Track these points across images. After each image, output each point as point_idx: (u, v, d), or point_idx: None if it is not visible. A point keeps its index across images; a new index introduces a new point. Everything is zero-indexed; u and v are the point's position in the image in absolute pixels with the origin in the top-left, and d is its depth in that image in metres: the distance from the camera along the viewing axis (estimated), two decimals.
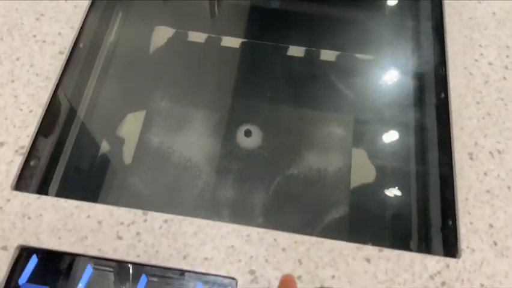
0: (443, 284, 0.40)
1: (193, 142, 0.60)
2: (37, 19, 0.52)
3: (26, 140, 0.45)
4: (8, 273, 0.39)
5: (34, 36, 0.51)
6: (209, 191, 0.57)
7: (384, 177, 0.57)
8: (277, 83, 0.66)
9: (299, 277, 0.40)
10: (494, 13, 0.55)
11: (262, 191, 0.57)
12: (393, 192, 0.55)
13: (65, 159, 0.53)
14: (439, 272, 0.40)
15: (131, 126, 0.61)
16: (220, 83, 0.67)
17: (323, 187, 0.58)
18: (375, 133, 0.61)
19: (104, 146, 0.59)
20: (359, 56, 0.67)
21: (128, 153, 0.59)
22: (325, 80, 0.66)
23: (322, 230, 0.55)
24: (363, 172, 0.58)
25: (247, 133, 0.61)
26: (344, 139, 0.61)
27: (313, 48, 0.69)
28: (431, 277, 0.40)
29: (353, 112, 0.63)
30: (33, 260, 0.40)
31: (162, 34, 0.70)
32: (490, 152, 0.46)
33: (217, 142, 0.60)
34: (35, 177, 0.47)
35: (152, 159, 0.59)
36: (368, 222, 0.54)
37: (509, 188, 0.45)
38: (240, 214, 0.55)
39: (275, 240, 0.41)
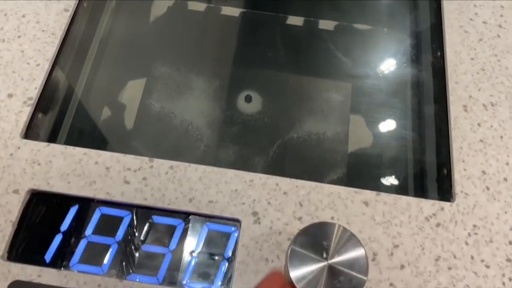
0: (437, 225, 0.42)
1: (194, 108, 0.62)
2: None
3: (33, 92, 0.46)
4: (19, 216, 0.41)
5: None
6: (210, 154, 0.58)
7: (382, 139, 0.59)
8: (276, 51, 0.67)
9: (300, 218, 0.41)
10: None
11: (263, 154, 0.58)
12: (390, 147, 0.56)
13: (70, 118, 0.54)
14: (434, 214, 0.42)
15: (132, 93, 0.62)
16: (220, 51, 0.68)
17: (321, 151, 0.59)
18: (373, 97, 0.62)
19: (106, 111, 0.60)
20: (356, 25, 0.68)
21: (129, 119, 0.60)
22: (323, 48, 0.67)
23: None
24: (360, 137, 0.60)
25: (248, 99, 0.62)
26: (342, 105, 0.63)
27: (312, 18, 0.70)
28: (427, 219, 0.42)
29: (351, 79, 0.64)
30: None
31: (162, 3, 0.70)
32: (484, 105, 0.48)
33: (218, 107, 0.61)
34: (43, 128, 0.48)
35: (154, 124, 0.60)
36: (365, 177, 0.56)
37: (501, 137, 0.46)
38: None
39: (277, 184, 0.43)
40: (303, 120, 0.61)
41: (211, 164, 0.58)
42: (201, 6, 0.71)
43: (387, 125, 0.60)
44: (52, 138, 0.49)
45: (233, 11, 0.71)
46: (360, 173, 0.57)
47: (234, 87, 0.64)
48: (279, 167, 0.58)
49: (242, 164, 0.57)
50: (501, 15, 0.54)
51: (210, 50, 0.68)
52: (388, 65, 0.63)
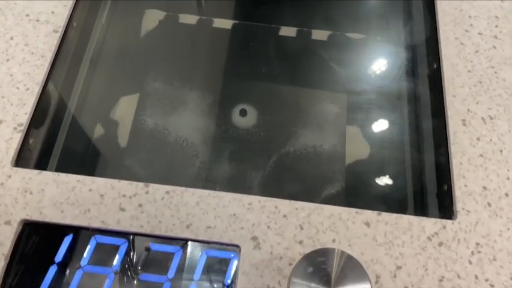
0: (440, 244, 0.41)
1: (188, 123, 0.61)
2: None
3: (24, 118, 0.45)
4: (12, 248, 0.40)
5: (27, 15, 0.51)
6: (206, 170, 0.57)
7: (379, 151, 0.58)
8: (270, 62, 0.67)
9: (301, 242, 0.40)
10: None
11: (260, 169, 0.58)
12: (388, 163, 0.56)
13: (61, 140, 0.53)
14: (436, 233, 0.42)
15: (125, 109, 0.61)
16: (213, 64, 0.67)
17: (318, 164, 0.58)
18: (369, 109, 0.62)
19: (98, 129, 0.59)
20: (350, 35, 0.68)
21: (123, 136, 0.59)
22: (317, 58, 0.67)
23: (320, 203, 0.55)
24: (357, 148, 0.59)
25: (243, 112, 0.62)
26: (338, 116, 0.62)
27: (305, 29, 0.69)
28: (429, 238, 0.41)
29: (347, 90, 0.64)
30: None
31: (153, 17, 0.70)
32: (482, 118, 0.48)
33: (213, 122, 0.61)
34: (35, 154, 0.47)
35: (148, 141, 0.59)
36: (365, 193, 0.55)
37: (501, 151, 0.46)
38: (237, 191, 0.56)
39: (276, 207, 0.42)
40: (299, 133, 0.60)
41: (208, 181, 0.57)
42: (193, 19, 0.70)
43: (384, 136, 0.59)
44: (44, 164, 0.48)
45: (225, 23, 0.70)
46: (359, 187, 0.56)
47: (229, 101, 0.63)
48: (276, 182, 0.57)
49: (239, 180, 0.56)
50: (496, 26, 0.53)
51: (203, 64, 0.67)
52: (383, 76, 0.63)
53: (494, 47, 0.52)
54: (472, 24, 0.53)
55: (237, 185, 0.56)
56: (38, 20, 0.50)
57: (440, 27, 0.53)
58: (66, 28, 0.51)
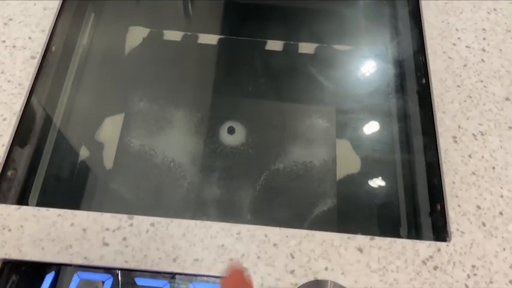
0: (435, 268, 0.40)
1: (176, 142, 0.59)
2: (5, 24, 0.50)
3: (1, 150, 0.43)
4: None
5: (3, 41, 0.49)
6: (195, 191, 0.56)
7: (370, 167, 0.57)
8: (257, 78, 0.66)
9: (292, 271, 0.39)
10: None
11: (250, 187, 0.56)
12: (380, 180, 0.55)
13: (43, 169, 0.51)
14: (431, 257, 0.40)
15: (110, 130, 0.59)
16: (200, 81, 0.66)
17: (309, 180, 0.57)
18: (359, 123, 0.61)
19: (83, 152, 0.57)
20: (337, 47, 0.67)
21: (108, 158, 0.58)
22: (305, 72, 0.66)
23: (312, 222, 0.54)
24: (348, 163, 0.58)
25: (231, 130, 0.60)
26: (327, 131, 0.61)
27: (292, 42, 0.68)
28: (424, 262, 0.40)
29: (335, 103, 0.63)
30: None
31: (137, 34, 0.68)
32: (473, 134, 0.47)
33: (200, 141, 0.59)
34: (14, 188, 0.45)
35: (134, 163, 0.57)
36: (357, 212, 0.54)
37: (493, 168, 0.45)
38: (228, 212, 0.55)
39: (266, 236, 0.41)
40: (288, 150, 0.59)
41: (197, 203, 0.56)
42: (177, 35, 0.69)
43: (375, 150, 0.58)
44: (24, 198, 0.46)
45: (211, 39, 0.69)
46: (351, 206, 0.55)
47: (216, 119, 0.61)
48: (267, 202, 0.56)
49: (228, 201, 0.55)
50: (484, 39, 0.53)
51: (189, 81, 0.66)
52: (372, 90, 0.62)
53: (483, 60, 0.51)
54: (460, 37, 0.53)
55: (226, 207, 0.55)
56: (14, 47, 0.49)
57: (428, 41, 0.52)
58: (44, 53, 0.50)
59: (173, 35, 0.69)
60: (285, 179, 0.57)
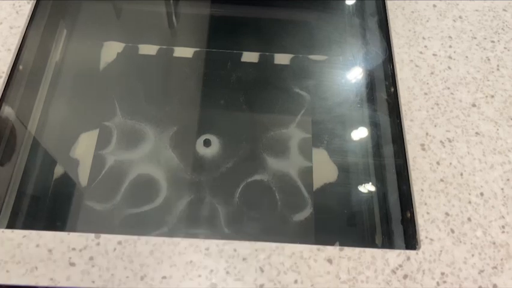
0: (405, 277, 0.40)
1: (151, 157, 0.59)
2: None
3: None
4: None
5: None
6: (170, 206, 0.56)
7: (346, 175, 0.57)
8: (233, 90, 0.66)
9: (261, 285, 0.39)
10: (434, 5, 0.56)
11: (226, 200, 0.56)
12: (354, 189, 0.55)
13: (14, 190, 0.51)
14: (400, 266, 0.41)
15: (85, 146, 0.59)
16: (175, 94, 0.66)
17: (286, 191, 0.57)
18: (334, 132, 0.61)
19: (58, 170, 0.57)
20: (311, 57, 0.67)
21: (83, 175, 0.57)
22: (281, 83, 0.66)
23: (288, 234, 0.54)
24: (325, 172, 0.58)
25: (207, 143, 0.60)
26: (304, 140, 0.61)
27: (267, 53, 0.69)
28: (393, 271, 0.40)
29: (311, 113, 0.63)
30: None
31: (112, 49, 0.68)
32: (441, 141, 0.47)
33: (176, 154, 0.59)
34: None
35: (109, 179, 0.57)
36: (332, 222, 0.54)
37: (461, 175, 0.45)
38: (206, 227, 0.54)
39: (235, 250, 0.40)
40: (265, 160, 0.59)
41: (173, 217, 0.55)
42: (152, 49, 0.69)
43: (351, 157, 0.59)
44: None
45: (186, 52, 0.69)
46: (327, 215, 0.55)
47: (192, 132, 0.61)
48: (243, 213, 0.56)
49: (206, 215, 0.55)
50: (450, 46, 0.53)
51: (164, 94, 0.66)
52: (345, 99, 0.62)
53: (449, 67, 0.52)
54: (426, 45, 0.53)
55: (204, 218, 0.55)
56: None
57: (395, 50, 0.53)
58: (11, 72, 0.49)
59: (148, 49, 0.69)
60: (261, 190, 0.57)
